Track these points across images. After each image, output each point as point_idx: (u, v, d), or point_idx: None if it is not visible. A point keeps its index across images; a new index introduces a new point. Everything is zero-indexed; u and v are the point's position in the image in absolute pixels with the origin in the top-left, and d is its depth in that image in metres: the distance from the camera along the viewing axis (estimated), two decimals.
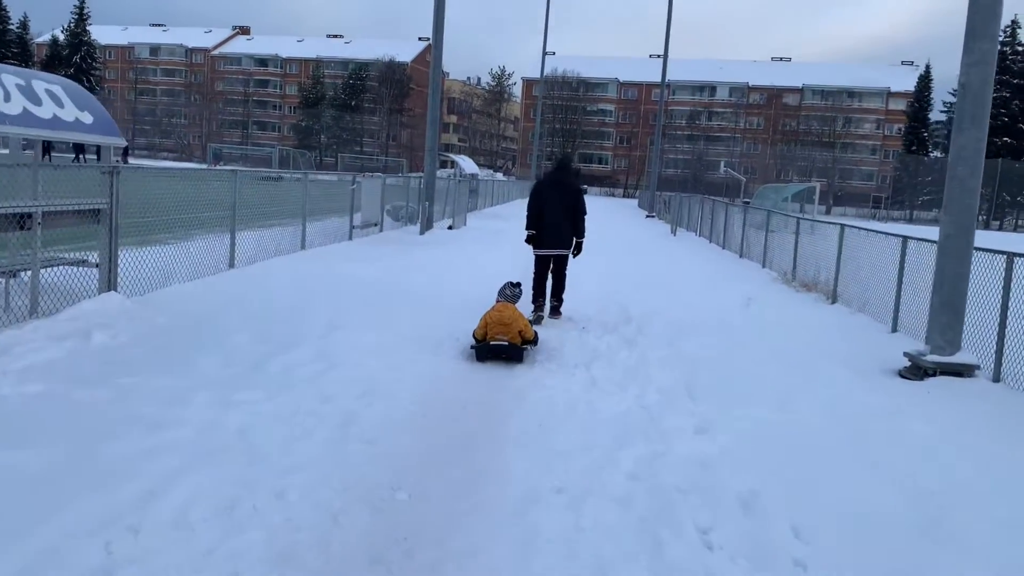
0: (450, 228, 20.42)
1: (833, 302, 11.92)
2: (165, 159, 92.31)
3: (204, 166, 60.95)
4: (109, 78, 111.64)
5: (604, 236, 22.67)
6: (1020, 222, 70.19)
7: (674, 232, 27.32)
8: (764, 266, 16.65)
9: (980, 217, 69.50)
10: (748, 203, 32.18)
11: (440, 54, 18.45)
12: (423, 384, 5.86)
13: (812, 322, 10.07)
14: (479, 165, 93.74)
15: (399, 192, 19.80)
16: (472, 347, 6.88)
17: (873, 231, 11.14)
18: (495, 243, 18.29)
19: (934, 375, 7.18)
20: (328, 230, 14.13)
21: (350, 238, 14.81)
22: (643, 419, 5.39)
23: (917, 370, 7.28)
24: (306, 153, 65.52)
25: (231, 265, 9.93)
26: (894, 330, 9.59)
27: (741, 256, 18.96)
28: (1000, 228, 66.26)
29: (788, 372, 7.07)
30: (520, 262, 12.61)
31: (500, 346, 6.69)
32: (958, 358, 7.19)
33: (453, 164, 32.57)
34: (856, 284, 11.36)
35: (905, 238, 9.71)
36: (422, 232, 18.07)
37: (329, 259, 11.97)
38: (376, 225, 16.48)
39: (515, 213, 32.39)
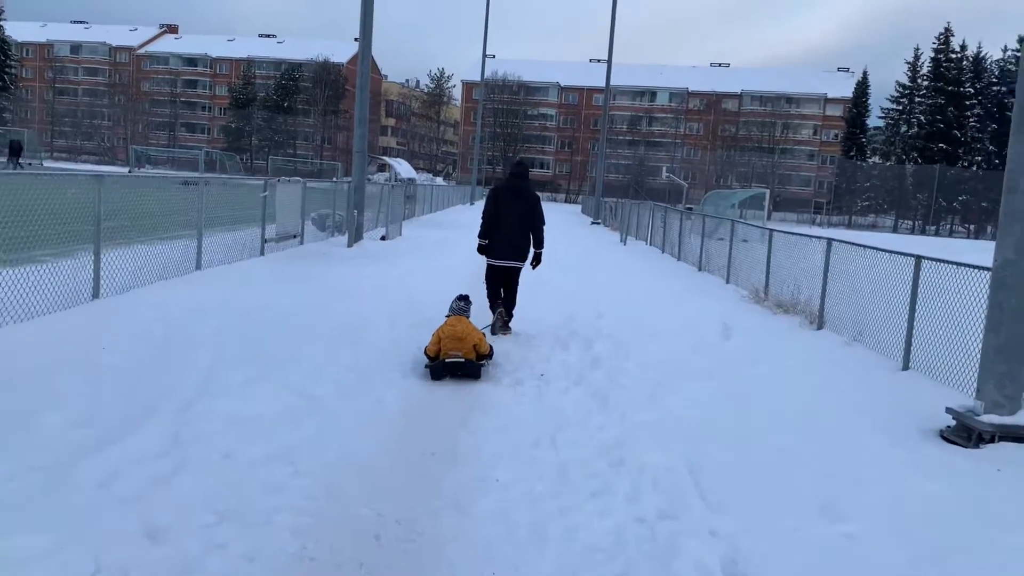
0: (383, 239, 18.46)
1: (819, 327, 10.39)
2: (86, 162, 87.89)
3: (126, 169, 57.65)
4: (26, 77, 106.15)
5: (552, 246, 20.78)
6: (955, 228, 71.21)
7: (624, 241, 25.81)
8: (728, 281, 15.13)
9: (916, 223, 70.34)
10: (691, 209, 31.00)
11: (368, 47, 16.50)
12: (330, 492, 3.99)
13: (808, 358, 8.46)
14: (418, 169, 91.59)
15: (325, 198, 17.77)
16: (426, 366, 6.57)
17: (870, 247, 9.62)
18: (435, 256, 16.42)
19: (991, 440, 5.60)
20: (234, 245, 12.05)
21: (262, 253, 12.76)
22: (645, 549, 3.61)
23: (967, 433, 5.68)
24: (234, 156, 62.51)
25: (95, 295, 7.86)
26: (905, 367, 8.04)
27: (700, 269, 17.44)
28: (936, 234, 67.02)
29: (813, 442, 5.39)
30: (465, 278, 10.83)
31: (455, 363, 6.45)
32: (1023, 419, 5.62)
33: (388, 168, 30.56)
34: (846, 306, 9.84)
35: (919, 258, 8.17)
36: (350, 244, 16.08)
37: (230, 282, 9.94)
38: (295, 237, 14.44)
39: (457, 220, 30.51)
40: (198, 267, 10.41)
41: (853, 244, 10.25)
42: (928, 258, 8.17)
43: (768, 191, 32.22)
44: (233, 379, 5.68)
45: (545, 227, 8.86)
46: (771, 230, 13.05)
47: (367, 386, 5.96)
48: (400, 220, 20.56)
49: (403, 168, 30.16)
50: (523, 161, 9.54)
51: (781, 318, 11.24)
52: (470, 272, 12.13)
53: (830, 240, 10.60)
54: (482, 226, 8.57)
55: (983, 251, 13.49)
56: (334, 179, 26.87)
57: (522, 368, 6.98)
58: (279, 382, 5.70)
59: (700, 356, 8.09)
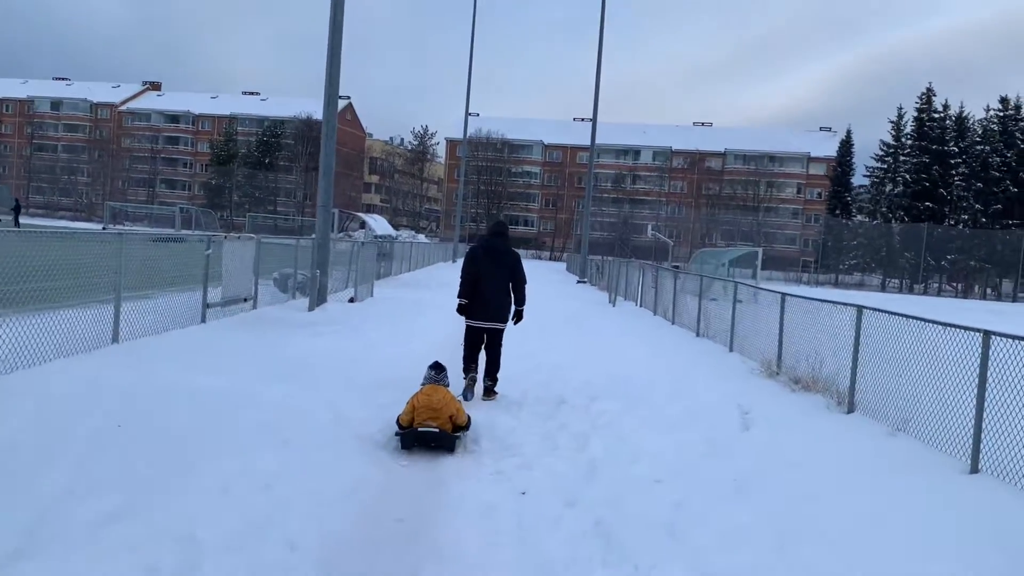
0: (351, 301, 16.84)
1: (850, 410, 8.81)
2: (61, 218, 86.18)
3: (99, 227, 56.00)
4: (5, 133, 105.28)
5: (537, 308, 19.31)
6: (945, 287, 70.40)
7: (612, 302, 24.30)
8: (732, 349, 13.58)
9: (904, 281, 69.52)
10: (678, 268, 29.70)
11: (335, 92, 15.12)
12: None
13: (855, 458, 6.84)
14: (400, 226, 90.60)
15: (286, 256, 16.18)
16: (396, 434, 6.31)
17: (915, 317, 8.10)
18: (408, 320, 14.79)
19: None
20: (168, 310, 10.39)
21: (202, 320, 11.08)
22: None
23: None
24: (211, 212, 61.05)
25: None
26: (974, 470, 6.46)
27: (699, 335, 15.90)
28: (924, 292, 66.13)
29: None
30: (440, 348, 9.26)
31: (429, 433, 6.18)
32: None
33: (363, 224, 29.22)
34: (884, 386, 8.27)
35: (987, 333, 6.64)
36: (311, 308, 14.44)
37: (149, 358, 8.25)
38: (247, 300, 12.79)
39: (437, 279, 28.93)
40: (115, 339, 8.73)
41: (891, 313, 8.73)
42: (997, 333, 6.64)
43: (760, 250, 31.01)
44: (83, 514, 4.00)
45: (527, 285, 8.77)
46: (783, 294, 11.54)
47: (282, 520, 4.29)
48: (372, 280, 18.97)
49: (379, 224, 28.72)
50: (502, 220, 9.49)
51: (801, 397, 9.65)
52: (447, 338, 10.60)
53: (860, 307, 9.08)
54: (461, 286, 8.40)
55: (1015, 315, 11.89)
56: (313, 236, 25.45)
57: (500, 482, 5.33)
58: (150, 519, 4.03)
59: (722, 457, 6.46)
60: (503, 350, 8.74)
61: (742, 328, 13.45)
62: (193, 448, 5.32)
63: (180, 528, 4.02)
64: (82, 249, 8.75)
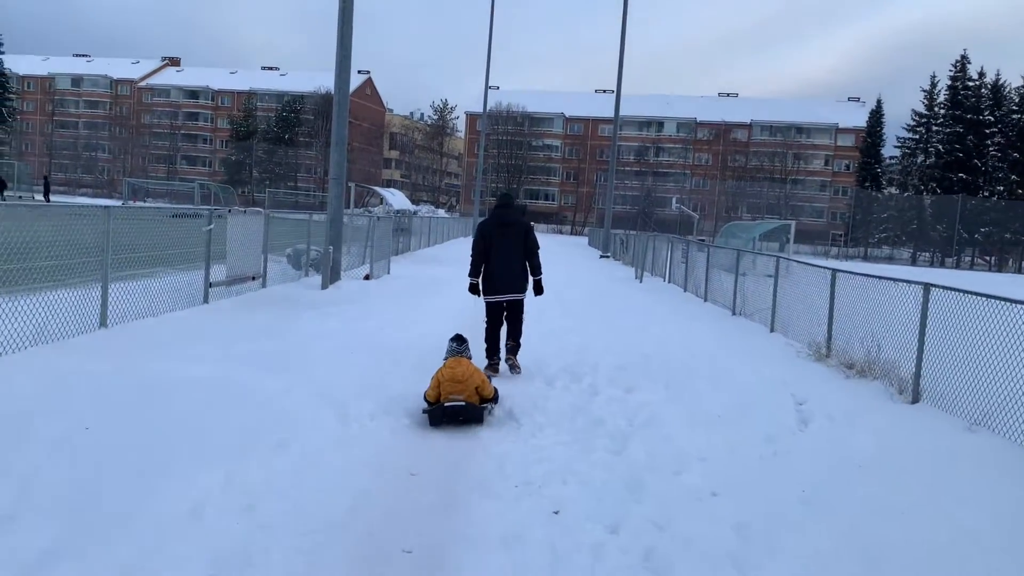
0: (367, 278, 16.06)
1: (914, 399, 7.90)
2: (83, 195, 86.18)
3: (118, 203, 55.65)
4: (26, 110, 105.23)
5: (560, 283, 18.54)
6: (977, 260, 68.57)
7: (639, 277, 23.34)
8: (773, 330, 12.65)
9: (935, 255, 67.73)
10: (703, 241, 28.63)
11: (348, 58, 14.16)
12: None
13: (933, 460, 5.94)
14: (421, 201, 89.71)
15: (299, 231, 15.40)
16: (424, 411, 6.17)
17: (993, 296, 7.14)
18: (424, 299, 13.98)
19: None
20: (167, 291, 9.64)
21: (205, 301, 10.32)
22: None
23: None
24: (229, 188, 60.52)
25: None
26: None
27: (735, 313, 14.96)
28: (957, 266, 64.40)
29: None
30: (459, 327, 8.45)
31: (456, 407, 6.05)
32: None
33: (380, 198, 28.26)
34: (956, 375, 7.34)
35: None
36: (324, 286, 13.66)
37: (140, 345, 7.49)
38: (255, 279, 12.02)
39: (456, 255, 28.03)
40: (103, 324, 7.97)
41: (960, 291, 7.77)
42: None
43: (793, 223, 29.82)
44: (27, 553, 3.20)
45: (540, 251, 8.51)
46: (834, 270, 10.57)
47: (262, 558, 3.48)
48: (388, 256, 18.16)
49: (396, 199, 27.83)
50: (508, 192, 9.23)
51: (857, 384, 8.73)
52: (466, 318, 9.81)
53: (927, 285, 8.11)
54: (472, 264, 8.25)
55: None
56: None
57: (527, 497, 4.49)
58: (89, 561, 3.23)
59: (783, 461, 5.59)
60: (524, 319, 8.57)
61: (785, 307, 12.50)
62: (167, 457, 4.53)
63: (132, 569, 3.23)
64: (70, 226, 7.94)
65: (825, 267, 11.01)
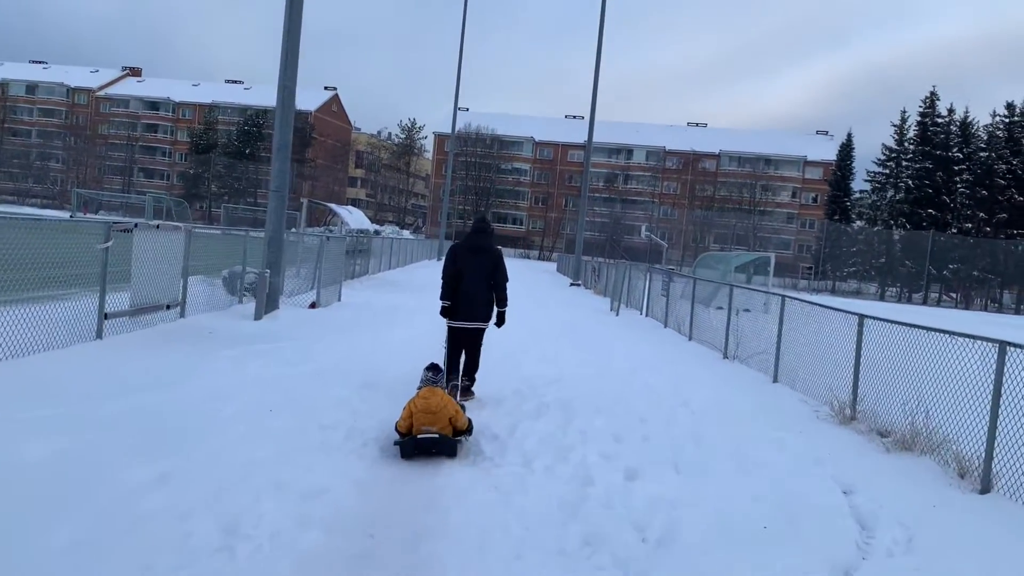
0: (313, 307, 14.11)
1: (984, 489, 6.22)
2: (31, 205, 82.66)
3: (66, 215, 52.79)
4: None
5: (529, 314, 16.76)
6: (943, 297, 68.26)
7: (615, 310, 21.64)
8: (776, 379, 10.98)
9: (903, 291, 67.30)
10: (672, 270, 27.12)
11: (295, 51, 12.28)
12: None
13: None
14: (385, 222, 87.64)
15: (236, 250, 13.44)
16: (396, 443, 5.90)
17: None
18: (379, 333, 12.07)
19: None
20: (44, 321, 7.64)
21: (97, 335, 8.33)
22: None
23: None
24: (183, 203, 57.86)
25: None
26: None
27: (726, 356, 13.29)
28: (925, 302, 63.95)
29: None
30: (413, 375, 6.69)
31: (429, 439, 5.83)
32: None
33: (333, 216, 26.05)
34: None
35: None
36: (258, 316, 11.70)
37: None
38: (170, 307, 10.03)
39: (420, 280, 26.13)
40: None
41: None
42: None
43: (772, 256, 28.44)
44: None
45: (508, 284, 8.31)
46: (861, 315, 8.90)
47: None
48: (339, 281, 16.22)
49: (354, 217, 25.86)
50: (484, 216, 9.00)
51: (903, 462, 7.02)
52: (420, 358, 8.00)
53: (1003, 344, 6.44)
54: (443, 287, 8.11)
55: None
56: (293, 230, 22.58)
57: None
58: None
59: None
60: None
61: (792, 353, 10.83)
62: None
63: None
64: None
65: (848, 311, 9.34)
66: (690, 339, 15.77)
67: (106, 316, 8.40)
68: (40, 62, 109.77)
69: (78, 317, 8.21)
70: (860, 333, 8.79)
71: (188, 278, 10.80)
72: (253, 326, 11.05)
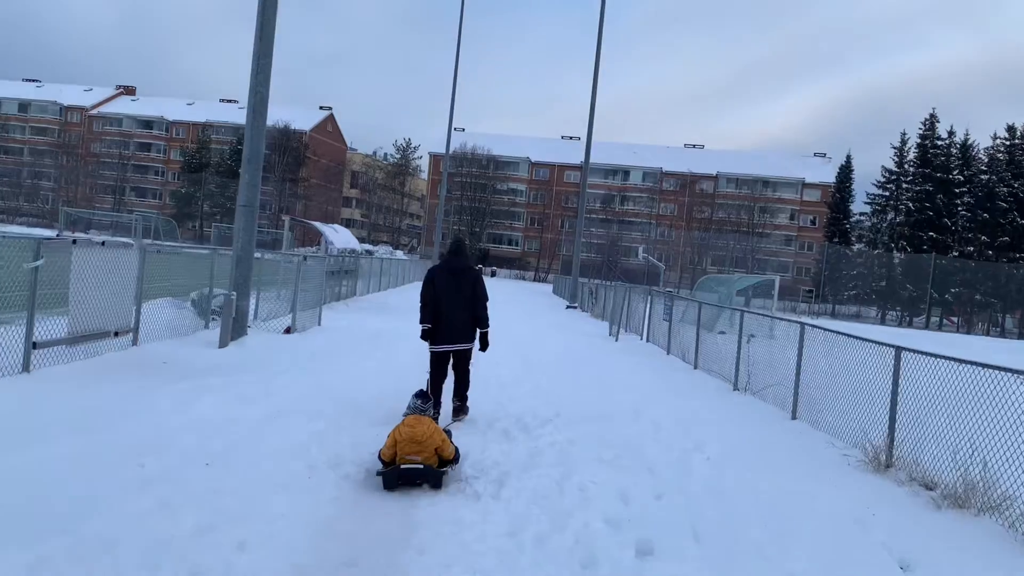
0: (288, 332, 13.03)
1: None
2: (21, 224, 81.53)
3: (51, 234, 51.65)
4: None
5: (527, 342, 15.70)
6: (945, 321, 67.30)
7: (614, 335, 20.58)
8: (795, 416, 9.91)
9: (903, 315, 66.35)
10: (670, 292, 26.13)
11: (269, 44, 11.27)
12: None
13: None
14: (380, 242, 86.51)
15: (204, 270, 12.37)
16: (378, 473, 5.61)
17: None
18: (356, 363, 10.97)
19: None
20: None
21: (24, 368, 7.24)
22: None
23: None
24: (171, 222, 56.89)
25: None
26: None
27: (736, 388, 12.23)
28: (926, 327, 62.98)
29: None
30: (391, 415, 5.65)
31: (413, 470, 5.58)
32: None
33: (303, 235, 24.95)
34: None
35: None
36: (223, 343, 10.60)
37: None
38: (118, 335, 8.94)
39: (409, 302, 24.79)
40: None
41: None
42: None
43: (777, 279, 27.45)
44: None
45: (491, 305, 8.32)
46: (898, 347, 7.85)
47: None
48: (319, 304, 15.13)
49: (340, 236, 24.77)
50: (460, 238, 9.22)
51: (958, 523, 5.96)
52: (400, 391, 7.02)
53: None
54: (421, 310, 7.98)
55: None
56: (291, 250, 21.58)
57: None
58: None
59: None
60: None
61: (813, 387, 9.75)
62: None
63: None
64: None
65: (882, 342, 8.28)
66: (695, 367, 14.71)
67: (35, 345, 7.31)
68: (34, 80, 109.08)
69: (3, 346, 7.11)
70: (897, 368, 7.73)
71: (144, 301, 9.73)
72: (215, 355, 9.96)
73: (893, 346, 7.90)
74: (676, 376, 13.67)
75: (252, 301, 14.18)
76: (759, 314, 13.57)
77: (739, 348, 12.53)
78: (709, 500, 5.80)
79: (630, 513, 5.30)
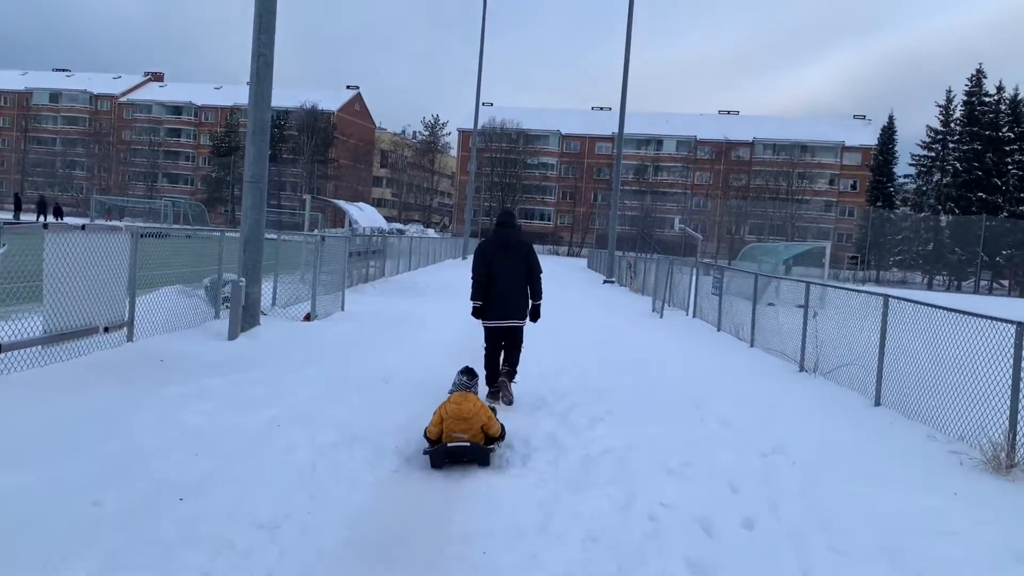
0: (308, 319, 11.98)
1: None
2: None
3: (83, 221, 51.36)
4: (3, 127, 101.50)
5: (564, 319, 14.51)
6: (995, 284, 64.64)
7: (658, 311, 19.31)
8: (879, 402, 8.63)
9: (951, 279, 63.91)
10: (711, 264, 24.77)
11: (272, 8, 10.18)
12: None
13: None
14: (410, 220, 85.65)
15: (215, 253, 11.34)
16: (425, 451, 5.54)
17: None
18: (380, 354, 9.88)
19: None
20: None
21: None
22: None
23: None
24: (200, 206, 56.37)
25: None
26: None
27: (802, 369, 10.95)
28: (976, 291, 60.54)
29: None
30: (417, 417, 4.47)
31: (460, 448, 5.48)
32: None
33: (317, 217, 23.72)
34: None
35: None
36: (233, 335, 9.57)
37: None
38: (108, 330, 7.92)
39: (442, 282, 23.89)
40: None
41: None
42: None
43: (828, 245, 25.86)
44: None
45: (543, 276, 7.98)
46: (1019, 323, 6.53)
47: None
48: (342, 288, 14.07)
49: (365, 214, 23.67)
50: (509, 210, 8.88)
51: None
52: (430, 388, 5.97)
53: None
54: (473, 287, 7.71)
55: None
56: (316, 232, 20.53)
57: None
58: None
59: None
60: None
61: (897, 368, 8.45)
62: None
63: None
64: None
65: (996, 317, 6.95)
66: (751, 345, 13.44)
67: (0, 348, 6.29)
68: (63, 70, 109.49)
69: None
70: (1020, 347, 6.43)
71: (150, 290, 8.73)
72: (222, 349, 8.93)
73: (1013, 321, 6.58)
74: (732, 357, 12.40)
75: (269, 286, 13.18)
76: (829, 285, 12.21)
77: (805, 324, 11.23)
78: (814, 528, 4.59)
79: (718, 551, 4.12)
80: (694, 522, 4.55)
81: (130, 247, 8.23)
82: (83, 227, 7.44)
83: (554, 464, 5.59)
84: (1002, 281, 65.47)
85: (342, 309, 13.72)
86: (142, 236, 10.36)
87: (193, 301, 11.27)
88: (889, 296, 9.02)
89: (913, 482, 5.74)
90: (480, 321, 7.82)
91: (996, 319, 6.88)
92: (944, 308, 7.91)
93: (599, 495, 4.94)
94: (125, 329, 8.30)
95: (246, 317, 9.88)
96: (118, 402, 6.15)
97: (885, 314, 8.85)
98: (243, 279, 9.82)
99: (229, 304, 10.97)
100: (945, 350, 7.59)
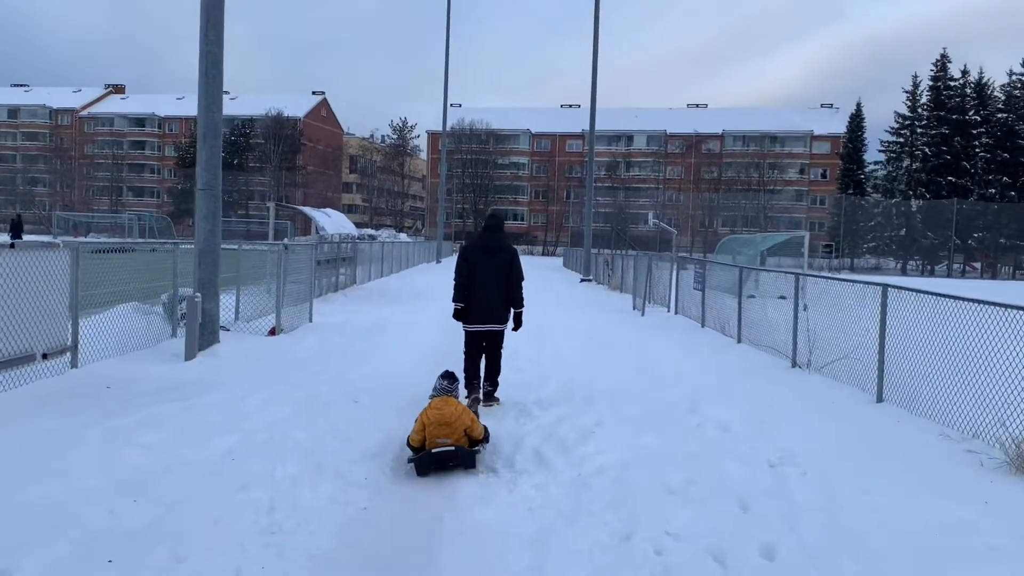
0: (273, 333, 11.30)
1: None
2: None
3: (47, 238, 50.03)
4: None
5: (544, 320, 13.95)
6: (967, 267, 65.13)
7: (639, 308, 18.80)
8: (882, 399, 8.15)
9: (925, 264, 64.26)
10: (686, 257, 24.36)
11: (220, 2, 9.48)
12: None
13: None
14: (382, 226, 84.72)
15: (166, 268, 10.63)
16: (410, 460, 5.46)
17: None
18: (350, 367, 9.25)
19: None
20: None
21: None
22: None
23: None
24: (165, 219, 55.15)
25: None
26: None
27: (795, 364, 10.48)
28: (948, 274, 60.91)
29: None
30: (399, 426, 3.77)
31: (445, 452, 5.41)
32: None
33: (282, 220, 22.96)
34: None
35: None
36: (190, 355, 8.88)
37: None
38: (47, 357, 7.22)
39: (413, 287, 23.23)
40: None
41: None
42: None
43: (807, 234, 25.47)
44: None
45: (524, 283, 7.80)
46: None
47: None
48: (310, 298, 13.38)
49: (332, 221, 22.87)
50: (497, 212, 8.76)
51: None
52: (415, 404, 5.34)
53: None
54: (455, 289, 7.66)
55: None
56: (286, 240, 19.71)
57: None
58: None
59: None
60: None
61: (898, 362, 7.97)
62: None
63: None
64: None
65: (997, 303, 6.48)
66: (739, 341, 12.96)
67: None
68: (22, 85, 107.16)
69: None
70: None
71: (99, 310, 8.02)
72: (176, 371, 8.24)
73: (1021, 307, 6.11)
74: (720, 355, 11.89)
75: (232, 299, 12.49)
76: (818, 276, 11.73)
77: (795, 317, 10.75)
78: (841, 552, 4.05)
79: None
80: (706, 554, 4.00)
81: (70, 265, 7.53)
82: (12, 246, 6.73)
83: (544, 490, 5.02)
84: (974, 264, 66.01)
85: (310, 320, 13.04)
86: (98, 252, 9.67)
87: (149, 319, 10.56)
88: (888, 285, 8.54)
89: (937, 489, 5.22)
90: (461, 324, 7.70)
91: (1010, 306, 6.40)
92: (949, 296, 7.43)
93: (597, 525, 4.37)
94: (68, 354, 7.60)
95: (204, 335, 9.20)
96: (53, 437, 5.48)
97: (884, 304, 8.38)
98: (199, 294, 9.13)
99: (183, 321, 10.28)
100: (952, 341, 7.12)
